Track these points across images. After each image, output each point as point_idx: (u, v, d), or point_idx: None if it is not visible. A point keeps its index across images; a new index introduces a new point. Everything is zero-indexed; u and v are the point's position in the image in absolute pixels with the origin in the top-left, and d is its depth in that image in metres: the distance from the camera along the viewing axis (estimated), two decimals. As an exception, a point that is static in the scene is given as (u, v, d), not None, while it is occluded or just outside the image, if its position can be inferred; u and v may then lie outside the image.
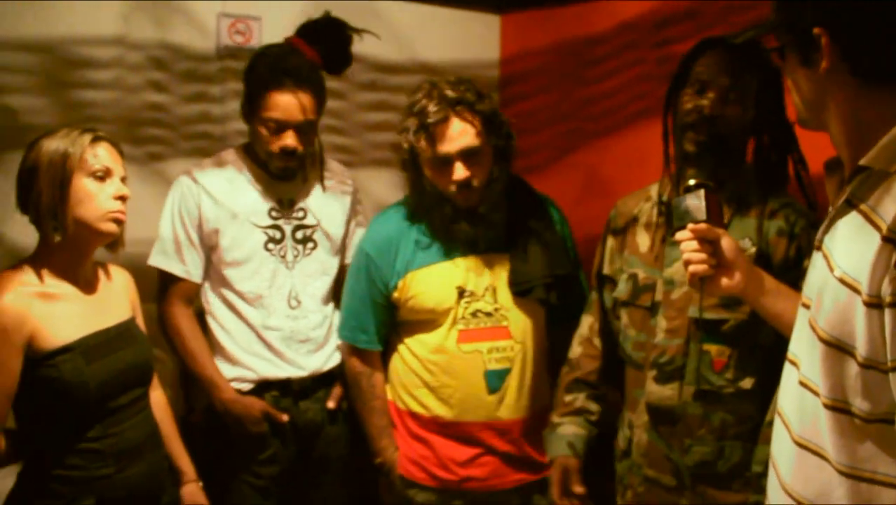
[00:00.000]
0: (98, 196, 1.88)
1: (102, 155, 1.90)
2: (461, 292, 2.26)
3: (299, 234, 2.46)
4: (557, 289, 2.29)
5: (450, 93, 2.17)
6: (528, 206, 2.36)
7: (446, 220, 2.25)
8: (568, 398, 2.20)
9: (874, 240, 1.13)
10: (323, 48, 2.41)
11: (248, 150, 2.46)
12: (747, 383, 1.90)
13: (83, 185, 1.86)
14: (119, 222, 1.92)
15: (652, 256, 2.04)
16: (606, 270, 2.17)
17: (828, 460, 1.23)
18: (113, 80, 2.76)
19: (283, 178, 2.44)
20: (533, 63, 3.41)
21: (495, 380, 2.27)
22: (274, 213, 2.44)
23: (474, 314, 2.26)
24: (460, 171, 2.15)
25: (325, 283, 2.52)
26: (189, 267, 2.39)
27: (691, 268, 1.65)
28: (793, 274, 1.86)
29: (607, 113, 3.05)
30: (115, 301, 2.02)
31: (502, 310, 2.27)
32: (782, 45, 1.30)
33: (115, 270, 2.09)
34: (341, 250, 2.59)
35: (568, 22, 3.23)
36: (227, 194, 2.39)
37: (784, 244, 1.91)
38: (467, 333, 2.26)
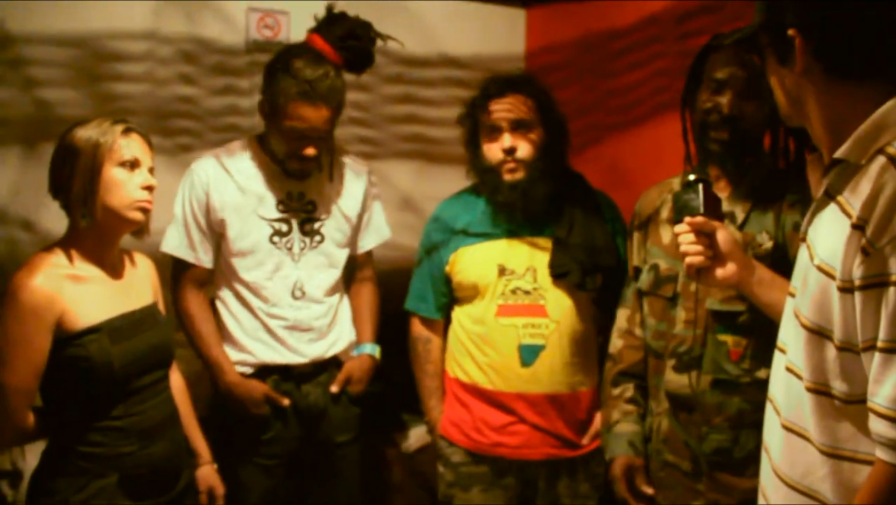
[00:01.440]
0: (126, 185, 1.92)
1: (132, 145, 1.95)
2: (502, 270, 2.38)
3: (307, 228, 2.49)
4: (605, 278, 2.36)
5: (511, 77, 2.40)
6: (579, 198, 2.45)
7: (491, 190, 2.39)
8: (616, 391, 2.23)
9: (845, 227, 1.18)
10: (345, 50, 2.42)
11: (263, 142, 2.47)
12: (763, 373, 1.92)
13: (113, 174, 1.91)
14: (145, 211, 1.96)
15: (674, 248, 2.06)
16: (636, 262, 2.21)
17: (811, 442, 1.27)
18: (144, 74, 2.83)
19: (297, 177, 2.46)
20: (557, 57, 3.43)
21: (529, 354, 2.35)
22: (282, 207, 2.45)
23: (514, 291, 2.37)
24: (507, 140, 2.31)
25: (331, 275, 2.55)
26: (199, 253, 2.43)
27: (688, 259, 1.71)
28: None
29: (629, 106, 3.07)
30: (139, 286, 2.07)
31: (541, 290, 2.36)
32: (762, 45, 1.35)
33: (139, 257, 2.14)
34: (352, 241, 2.62)
35: (591, 16, 3.24)
36: (236, 185, 2.42)
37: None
38: (505, 307, 2.37)
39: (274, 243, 2.44)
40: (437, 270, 2.49)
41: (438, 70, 3.42)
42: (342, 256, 2.59)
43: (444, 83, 3.40)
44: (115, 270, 2.00)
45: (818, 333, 1.24)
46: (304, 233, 2.48)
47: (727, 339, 1.95)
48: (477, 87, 2.42)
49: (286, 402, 2.46)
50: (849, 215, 1.19)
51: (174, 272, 2.46)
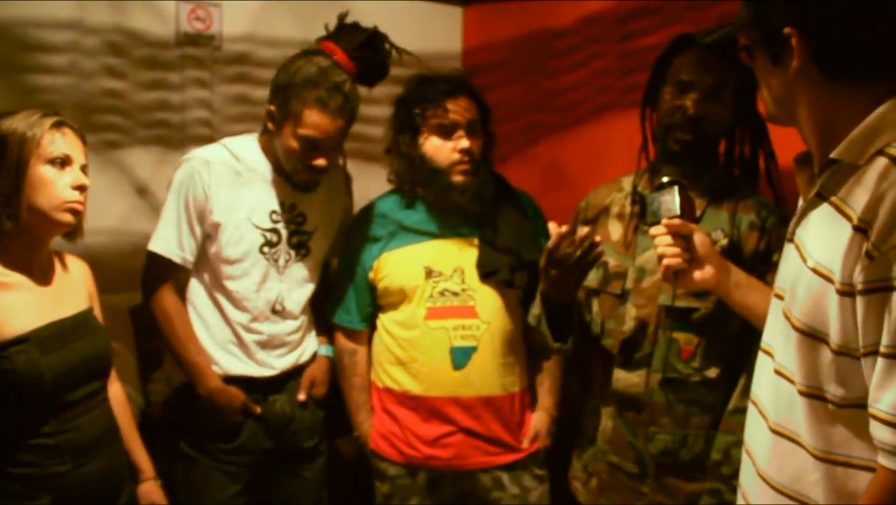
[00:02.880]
0: (55, 184, 1.82)
1: (62, 141, 1.84)
2: (429, 272, 2.37)
3: (295, 240, 2.44)
4: (529, 274, 2.34)
5: (455, 77, 2.44)
6: (502, 197, 2.45)
7: (438, 192, 2.36)
8: None
9: (845, 229, 1.17)
10: (361, 61, 2.37)
11: (261, 145, 2.41)
12: (713, 372, 1.94)
13: (40, 172, 1.80)
14: (76, 213, 1.86)
15: (623, 245, 2.07)
16: None
17: (803, 446, 1.26)
18: (68, 65, 2.70)
19: (302, 189, 2.40)
20: (496, 55, 3.42)
21: (461, 357, 2.35)
22: (274, 217, 2.40)
23: (442, 293, 2.36)
24: (465, 141, 2.31)
25: (308, 290, 2.50)
26: (186, 254, 2.36)
27: (665, 261, 1.70)
28: (761, 266, 1.91)
29: (571, 106, 3.06)
30: (71, 291, 1.96)
31: (469, 290, 2.36)
32: (751, 43, 1.33)
33: (71, 260, 2.03)
34: (329, 258, 2.59)
35: (531, 14, 3.23)
36: (234, 189, 2.35)
37: (755, 237, 1.95)
38: (434, 310, 2.36)
39: (263, 253, 2.38)
40: (359, 278, 2.46)
41: (375, 67, 3.37)
42: (319, 271, 2.55)
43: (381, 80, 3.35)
44: (44, 275, 1.90)
45: (811, 336, 1.23)
46: (291, 245, 2.43)
47: (679, 336, 1.96)
48: (413, 84, 2.41)
49: (259, 410, 2.42)
50: (848, 217, 1.17)
51: (152, 270, 2.38)
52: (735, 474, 1.82)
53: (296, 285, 2.46)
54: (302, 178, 2.34)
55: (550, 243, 1.87)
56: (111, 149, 2.77)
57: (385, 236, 2.42)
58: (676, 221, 1.70)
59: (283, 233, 2.41)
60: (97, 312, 2.05)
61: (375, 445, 2.46)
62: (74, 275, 2.01)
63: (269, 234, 2.39)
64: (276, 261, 2.41)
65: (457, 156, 2.31)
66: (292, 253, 2.43)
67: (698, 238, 1.69)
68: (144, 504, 2.14)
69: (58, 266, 1.97)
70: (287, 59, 2.32)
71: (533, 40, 3.22)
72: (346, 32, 2.41)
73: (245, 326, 2.39)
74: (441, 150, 2.33)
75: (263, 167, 2.39)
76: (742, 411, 1.83)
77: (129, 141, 2.82)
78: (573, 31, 3.03)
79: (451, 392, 2.35)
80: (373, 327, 2.51)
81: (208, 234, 2.36)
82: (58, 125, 1.85)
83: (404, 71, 3.35)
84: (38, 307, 1.84)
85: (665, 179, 1.76)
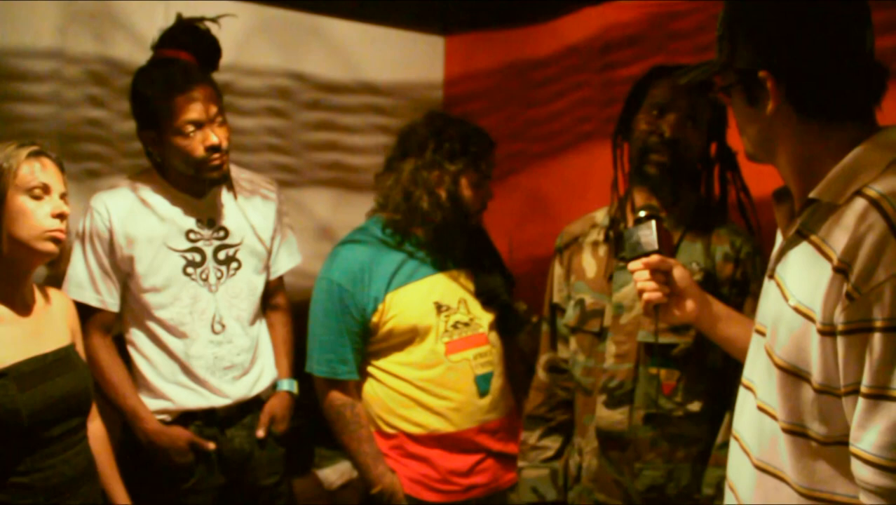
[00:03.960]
0: (35, 214, 1.80)
1: (40, 171, 1.82)
2: (439, 307, 2.34)
3: (221, 255, 2.38)
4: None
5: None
6: (479, 229, 2.49)
7: (439, 235, 2.34)
8: (523, 437, 2.24)
9: (826, 270, 1.17)
10: (191, 49, 2.33)
11: (158, 172, 2.35)
12: (696, 406, 1.93)
13: (19, 202, 1.78)
14: (57, 241, 1.84)
15: (599, 282, 2.06)
16: (556, 299, 2.18)
17: (787, 482, 1.26)
18: (50, 94, 2.70)
19: (217, 182, 2.35)
20: (477, 85, 3.44)
21: (484, 383, 2.35)
22: (192, 236, 2.34)
23: (455, 325, 2.35)
24: (484, 187, 2.36)
25: (251, 303, 2.45)
26: (104, 296, 2.29)
27: (645, 296, 1.68)
28: (737, 297, 1.92)
29: (552, 135, 3.09)
30: (53, 326, 1.93)
31: (476, 319, 2.38)
32: (728, 84, 1.34)
33: (54, 294, 2.00)
34: (267, 266, 2.53)
35: (513, 45, 3.26)
36: (140, 219, 2.29)
37: (730, 268, 1.95)
38: (453, 343, 2.33)
39: (188, 275, 2.32)
40: (354, 325, 2.32)
41: (357, 96, 3.38)
42: (260, 282, 2.48)
43: (363, 110, 3.37)
44: (25, 308, 1.87)
45: (793, 374, 1.23)
46: (218, 261, 2.37)
47: (660, 372, 1.94)
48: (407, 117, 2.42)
49: (212, 446, 2.34)
50: (828, 258, 1.18)
51: (81, 318, 2.28)
52: (728, 508, 1.82)
53: (234, 300, 2.40)
54: (209, 167, 2.27)
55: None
56: (93, 178, 2.76)
57: (385, 276, 2.32)
58: (655, 258, 1.67)
59: (207, 250, 2.36)
60: (79, 348, 2.02)
61: (410, 490, 2.35)
62: (56, 308, 1.98)
63: (189, 255, 2.33)
64: (205, 280, 2.35)
65: (479, 205, 2.36)
66: (223, 269, 2.38)
67: (678, 273, 1.68)
68: None
69: (40, 299, 1.94)
70: (130, 90, 2.30)
71: (515, 70, 3.25)
72: (166, 36, 2.36)
73: (187, 352, 2.33)
74: (471, 190, 2.34)
75: (163, 192, 2.34)
76: None
77: (110, 170, 2.82)
78: (554, 60, 3.06)
79: (479, 420, 2.35)
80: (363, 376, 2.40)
81: (126, 272, 2.30)
82: (35, 154, 1.83)
83: (385, 100, 3.39)
84: (18, 341, 1.81)
85: (642, 214, 1.74)
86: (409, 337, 2.31)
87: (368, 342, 2.35)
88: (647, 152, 1.97)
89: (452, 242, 2.37)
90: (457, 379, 2.31)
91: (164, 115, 2.21)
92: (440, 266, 2.38)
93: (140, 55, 2.81)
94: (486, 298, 2.40)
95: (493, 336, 2.41)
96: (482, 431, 2.35)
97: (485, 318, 2.39)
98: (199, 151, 2.23)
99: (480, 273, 2.42)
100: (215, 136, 2.24)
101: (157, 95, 2.21)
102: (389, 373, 2.34)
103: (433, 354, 2.30)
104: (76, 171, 2.70)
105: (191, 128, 2.21)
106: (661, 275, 1.68)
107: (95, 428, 2.07)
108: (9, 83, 2.63)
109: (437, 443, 2.34)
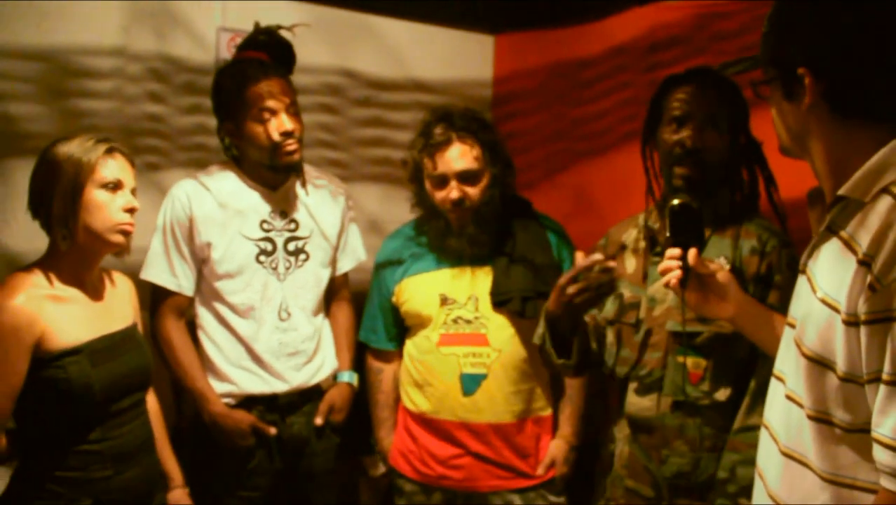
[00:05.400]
0: (109, 207, 1.90)
1: (115, 166, 1.92)
2: (443, 300, 2.42)
3: (291, 246, 2.48)
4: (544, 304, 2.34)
5: (457, 120, 2.37)
6: (522, 226, 2.47)
7: (439, 233, 2.43)
8: None
9: (851, 263, 1.22)
10: (267, 51, 2.45)
11: (237, 164, 2.47)
12: (722, 395, 1.97)
13: (94, 195, 1.88)
14: (127, 234, 1.94)
15: (637, 277, 2.11)
16: None
17: (811, 468, 1.30)
18: (112, 91, 2.79)
19: (292, 171, 2.45)
20: (525, 83, 3.46)
21: (470, 384, 2.39)
22: (265, 226, 2.45)
23: (455, 320, 2.41)
24: (455, 192, 2.34)
25: (316, 294, 2.54)
26: (181, 280, 2.40)
27: (665, 277, 1.77)
28: (763, 291, 1.95)
29: (597, 134, 3.10)
30: (119, 307, 2.04)
31: (482, 318, 2.40)
32: (768, 78, 1.38)
33: (119, 278, 2.11)
34: (334, 260, 2.62)
35: (561, 44, 3.28)
36: (218, 205, 2.40)
37: (756, 261, 1.99)
38: (447, 336, 2.41)
39: (260, 263, 2.43)
40: (385, 301, 2.53)
41: (406, 94, 3.43)
42: (326, 275, 2.59)
43: (413, 107, 3.41)
44: (95, 291, 1.98)
45: (820, 363, 1.27)
46: (288, 252, 2.47)
47: (687, 360, 1.99)
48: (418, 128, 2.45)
49: (273, 431, 2.44)
50: (854, 252, 1.22)
51: (153, 299, 2.42)
52: (740, 492, 1.86)
53: (300, 290, 2.49)
54: (283, 153, 2.37)
55: (574, 271, 1.89)
56: (151, 171, 2.85)
57: (406, 261, 2.49)
58: (677, 251, 1.75)
59: (278, 241, 2.46)
60: (140, 328, 2.13)
61: (394, 462, 2.53)
62: (122, 291, 2.08)
63: (262, 244, 2.44)
64: (275, 268, 2.45)
65: (448, 205, 2.36)
66: (292, 260, 2.48)
67: (722, 276, 1.74)
68: None
69: (107, 282, 2.04)
70: (212, 91, 2.43)
71: (562, 69, 3.27)
72: (247, 42, 2.49)
73: (254, 337, 2.42)
74: (436, 197, 2.39)
75: (241, 182, 2.46)
76: (747, 430, 1.88)
77: (168, 163, 2.91)
78: (601, 60, 3.07)
79: (460, 417, 2.40)
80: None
81: (202, 258, 2.40)
82: (110, 151, 1.93)
83: (435, 98, 3.43)
84: (90, 321, 1.91)
85: (675, 202, 1.80)
86: (418, 322, 2.46)
87: (401, 319, 2.52)
88: (673, 165, 2.02)
89: (448, 240, 2.41)
90: (442, 371, 2.40)
91: (241, 105, 2.33)
92: (457, 260, 2.43)
93: (197, 53, 2.93)
94: (495, 299, 2.39)
95: (502, 340, 2.39)
96: (463, 427, 2.40)
97: (493, 319, 2.40)
98: (274, 136, 2.34)
99: (500, 273, 2.40)
100: (289, 122, 2.35)
101: (236, 87, 2.34)
102: (407, 351, 2.51)
103: (427, 341, 2.43)
104: (136, 164, 2.78)
105: (266, 115, 2.33)
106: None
107: (151, 402, 2.19)
108: (74, 79, 2.72)
109: (424, 424, 2.46)
